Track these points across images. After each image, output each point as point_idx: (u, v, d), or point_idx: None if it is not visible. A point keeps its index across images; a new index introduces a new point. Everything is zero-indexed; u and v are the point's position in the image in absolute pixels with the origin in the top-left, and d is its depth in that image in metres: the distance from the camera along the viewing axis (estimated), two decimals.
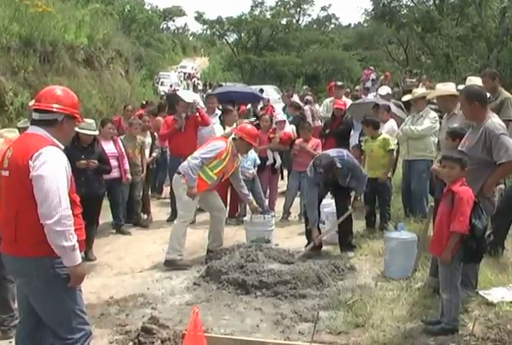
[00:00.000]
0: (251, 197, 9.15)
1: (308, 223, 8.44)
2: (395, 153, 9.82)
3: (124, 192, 10.17)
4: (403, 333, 5.61)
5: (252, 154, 10.33)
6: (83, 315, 4.37)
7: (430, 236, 6.36)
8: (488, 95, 8.57)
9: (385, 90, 16.10)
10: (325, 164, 8.15)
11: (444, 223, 5.49)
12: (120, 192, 10.00)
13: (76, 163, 7.90)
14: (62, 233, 3.98)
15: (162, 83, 38.78)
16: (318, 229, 8.38)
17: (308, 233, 8.50)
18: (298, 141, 10.74)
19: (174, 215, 10.79)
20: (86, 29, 18.01)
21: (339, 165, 8.13)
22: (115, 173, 9.68)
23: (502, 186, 7.69)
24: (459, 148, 6.25)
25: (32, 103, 4.75)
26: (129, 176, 10.01)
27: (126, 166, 9.98)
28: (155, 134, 11.58)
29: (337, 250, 8.56)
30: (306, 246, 8.36)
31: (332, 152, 8.43)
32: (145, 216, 11.09)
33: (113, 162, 9.63)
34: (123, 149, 9.93)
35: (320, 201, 8.50)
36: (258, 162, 10.64)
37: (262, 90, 28.17)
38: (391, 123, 10.59)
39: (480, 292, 6.24)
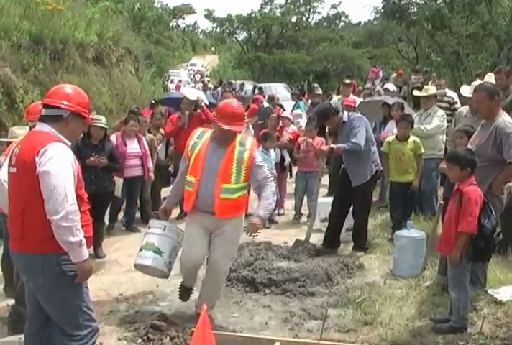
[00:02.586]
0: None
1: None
2: None
3: (145, 191, 10.26)
4: (411, 331, 5.62)
5: (273, 154, 10.29)
6: (89, 312, 4.39)
7: (439, 234, 6.34)
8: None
9: (391, 86, 16.15)
10: (319, 110, 8.29)
11: (453, 222, 5.49)
12: (138, 190, 10.06)
13: (86, 161, 7.94)
14: (68, 228, 4.00)
15: (171, 81, 38.76)
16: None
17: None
18: (301, 139, 10.68)
19: (183, 213, 10.84)
20: (96, 26, 18.05)
21: (344, 118, 8.20)
22: (137, 172, 9.77)
23: (511, 184, 7.67)
24: (469, 146, 6.25)
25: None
26: (151, 175, 10.11)
27: (149, 164, 10.05)
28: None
29: (347, 248, 8.55)
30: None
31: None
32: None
33: (136, 161, 9.76)
34: (147, 148, 9.99)
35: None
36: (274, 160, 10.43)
37: (259, 88, 28.01)
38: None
39: (489, 291, 6.24)
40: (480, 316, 5.72)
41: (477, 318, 5.71)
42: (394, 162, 8.85)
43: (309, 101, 18.73)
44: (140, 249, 6.16)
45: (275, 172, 10.07)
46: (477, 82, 8.79)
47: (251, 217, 5.84)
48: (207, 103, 11.55)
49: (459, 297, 5.49)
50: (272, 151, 10.12)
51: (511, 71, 8.93)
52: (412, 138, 8.79)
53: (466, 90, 9.24)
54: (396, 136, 8.90)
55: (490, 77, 9.16)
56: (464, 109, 8.77)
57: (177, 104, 12.77)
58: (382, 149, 8.97)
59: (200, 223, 5.85)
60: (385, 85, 17.57)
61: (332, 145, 8.26)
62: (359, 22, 70.63)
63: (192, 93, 11.83)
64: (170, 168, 11.51)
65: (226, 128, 5.60)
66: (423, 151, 8.75)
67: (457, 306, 5.51)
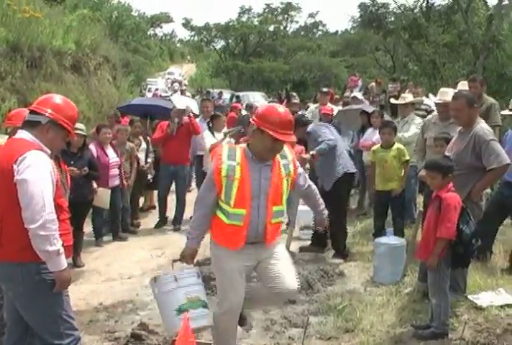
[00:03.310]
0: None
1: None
2: None
3: (124, 199, 10.23)
4: (392, 338, 5.63)
5: None
6: (70, 321, 4.34)
7: (419, 241, 6.37)
8: None
9: (359, 95, 16.35)
10: None
11: (432, 228, 5.51)
12: (120, 199, 10.01)
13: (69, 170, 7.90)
14: (46, 237, 3.96)
15: (149, 90, 38.70)
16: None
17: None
18: None
19: (162, 222, 10.81)
20: (74, 34, 17.96)
21: (308, 128, 8.35)
22: (117, 181, 9.75)
23: (489, 191, 7.75)
24: (446, 153, 6.28)
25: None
26: (128, 182, 10.22)
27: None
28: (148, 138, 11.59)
29: (328, 255, 8.56)
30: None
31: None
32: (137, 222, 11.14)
33: (117, 171, 9.79)
34: (122, 156, 9.99)
35: None
36: None
37: (236, 96, 28.08)
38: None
39: (469, 297, 6.26)
40: (460, 322, 5.74)
41: (458, 323, 5.72)
42: (379, 170, 8.87)
43: None
44: (183, 310, 4.64)
45: None
46: (447, 89, 8.80)
47: (319, 214, 5.46)
48: (197, 113, 11.54)
49: (439, 303, 5.51)
50: None
51: (485, 80, 9.02)
52: (396, 145, 8.78)
53: (434, 98, 9.32)
54: (381, 145, 8.91)
55: (464, 85, 9.24)
56: (433, 117, 8.76)
57: (142, 111, 12.75)
58: (368, 158, 9.03)
59: (244, 260, 4.84)
60: (353, 94, 17.72)
61: (312, 151, 8.28)
62: (337, 31, 71.21)
63: (181, 101, 11.81)
64: (148, 176, 11.47)
65: (284, 139, 4.62)
66: (407, 158, 8.71)
67: (438, 312, 5.53)
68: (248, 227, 4.69)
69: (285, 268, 4.94)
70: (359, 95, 16.77)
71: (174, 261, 5.03)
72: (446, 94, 8.31)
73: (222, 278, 4.90)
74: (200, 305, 4.69)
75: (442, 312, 5.52)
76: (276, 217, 4.83)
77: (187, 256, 4.90)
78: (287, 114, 4.71)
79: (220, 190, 4.69)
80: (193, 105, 11.99)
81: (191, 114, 10.89)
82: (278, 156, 4.78)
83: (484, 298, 6.24)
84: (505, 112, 7.82)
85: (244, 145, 4.86)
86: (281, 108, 4.79)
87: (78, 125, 8.57)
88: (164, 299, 4.73)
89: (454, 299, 6.03)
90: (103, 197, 9.10)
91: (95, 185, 8.73)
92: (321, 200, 5.43)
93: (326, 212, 5.42)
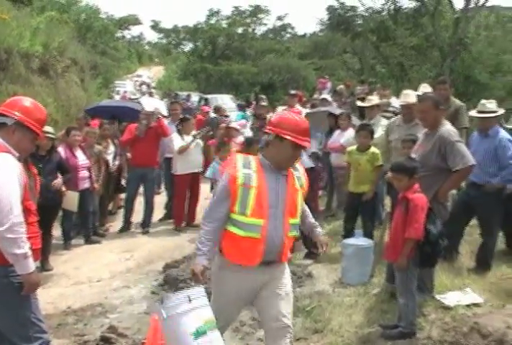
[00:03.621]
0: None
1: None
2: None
3: (95, 202, 10.16)
4: (361, 338, 5.68)
5: None
6: (39, 324, 4.32)
7: (386, 242, 6.43)
8: None
9: (329, 97, 16.41)
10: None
11: (399, 229, 5.57)
12: (90, 202, 9.96)
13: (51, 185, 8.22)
14: (13, 240, 3.95)
15: (117, 92, 38.49)
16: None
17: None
18: None
19: (127, 226, 10.75)
20: (41, 36, 17.87)
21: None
22: (86, 184, 9.70)
23: (454, 191, 7.83)
24: (412, 155, 6.35)
25: None
26: (96, 185, 10.13)
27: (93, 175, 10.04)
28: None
29: (296, 256, 8.59)
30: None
31: None
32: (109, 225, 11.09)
33: (86, 173, 9.76)
34: (91, 158, 9.92)
35: None
36: None
37: (205, 99, 28.09)
38: (350, 132, 10.27)
39: (436, 296, 6.34)
40: (428, 321, 5.82)
41: (426, 323, 5.80)
42: (352, 173, 8.81)
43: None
44: (201, 332, 4.19)
45: None
46: (410, 91, 8.89)
47: (316, 235, 4.94)
48: (165, 115, 11.51)
49: (407, 303, 5.57)
50: None
51: (452, 82, 9.13)
52: (372, 149, 8.67)
53: (397, 100, 9.38)
54: (357, 147, 8.83)
55: (425, 88, 9.34)
56: (397, 119, 8.82)
57: (110, 114, 12.68)
58: (344, 158, 9.02)
59: (251, 281, 4.56)
60: (322, 96, 17.80)
61: None
62: (305, 34, 71.14)
63: (150, 104, 11.79)
64: (122, 181, 11.42)
65: (306, 145, 4.51)
66: (381, 163, 8.59)
67: (405, 312, 5.59)
68: (265, 240, 4.39)
69: (286, 302, 4.60)
70: (329, 97, 16.83)
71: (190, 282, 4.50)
72: (409, 96, 8.42)
73: (219, 301, 4.62)
74: (216, 327, 4.27)
75: (410, 312, 5.58)
76: (292, 230, 4.58)
77: (198, 274, 4.43)
78: (304, 121, 4.59)
79: (234, 201, 4.42)
80: (161, 107, 11.96)
81: (160, 116, 10.87)
82: (290, 168, 4.63)
83: (451, 298, 6.32)
84: (473, 113, 7.89)
85: (258, 155, 4.64)
86: (296, 115, 4.67)
87: (47, 128, 8.54)
88: (176, 322, 4.16)
89: (422, 299, 6.11)
90: (71, 200, 9.06)
91: (63, 188, 8.67)
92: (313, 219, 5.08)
93: (320, 230, 5.04)
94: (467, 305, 6.14)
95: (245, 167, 4.46)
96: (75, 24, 35.07)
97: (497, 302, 6.32)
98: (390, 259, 5.88)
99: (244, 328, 6.09)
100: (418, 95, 8.04)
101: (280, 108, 14.75)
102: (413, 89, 9.67)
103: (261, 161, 4.54)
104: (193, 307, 4.20)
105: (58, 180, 8.44)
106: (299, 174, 4.69)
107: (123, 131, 11.41)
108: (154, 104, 12.01)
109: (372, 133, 8.81)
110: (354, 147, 8.85)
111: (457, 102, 9.01)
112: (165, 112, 11.78)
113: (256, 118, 14.61)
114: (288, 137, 4.40)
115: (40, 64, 17.03)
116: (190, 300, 4.22)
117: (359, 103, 12.02)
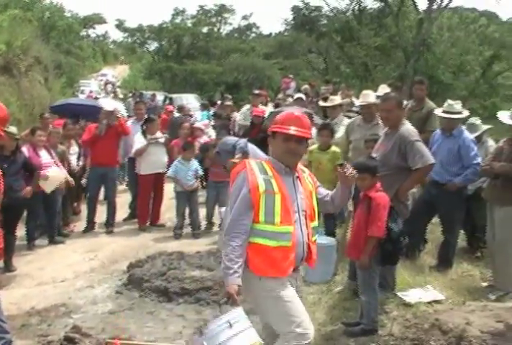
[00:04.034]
0: None
1: None
2: None
3: (59, 202, 10.06)
4: (324, 336, 5.73)
5: (194, 164, 10.35)
6: (1, 324, 4.32)
7: (348, 240, 6.49)
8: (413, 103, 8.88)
9: (303, 96, 16.42)
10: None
11: (362, 227, 5.63)
12: (57, 202, 9.87)
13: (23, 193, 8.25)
14: None
15: (82, 91, 38.20)
16: None
17: None
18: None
19: (90, 226, 10.68)
20: (4, 35, 17.68)
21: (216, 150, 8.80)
22: None
23: (415, 190, 7.92)
24: (373, 154, 6.42)
25: None
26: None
27: None
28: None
29: None
30: None
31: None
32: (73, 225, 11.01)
33: None
34: (56, 158, 9.80)
35: None
36: (200, 172, 10.51)
37: (169, 98, 28.03)
38: (312, 131, 10.33)
39: (398, 294, 6.42)
40: (389, 318, 5.89)
41: (387, 320, 5.88)
42: (313, 172, 8.79)
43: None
44: None
45: (194, 182, 10.13)
46: (369, 91, 8.97)
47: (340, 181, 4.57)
48: (125, 114, 11.44)
49: (369, 300, 5.63)
50: (192, 161, 10.19)
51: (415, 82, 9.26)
52: (333, 148, 8.72)
53: (357, 100, 9.45)
54: (318, 146, 8.87)
55: (384, 89, 9.46)
56: (356, 119, 8.89)
57: (73, 112, 12.59)
58: (305, 157, 9.00)
59: (291, 284, 4.37)
60: (297, 95, 17.84)
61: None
62: (270, 33, 71.23)
63: (109, 103, 11.73)
64: (83, 181, 11.33)
65: (290, 132, 4.21)
66: (341, 161, 8.42)
67: (367, 309, 5.66)
68: (296, 247, 4.22)
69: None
70: (303, 96, 16.81)
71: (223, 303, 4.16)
72: (368, 96, 8.52)
73: (284, 305, 4.20)
74: None
75: (371, 309, 5.65)
76: (314, 234, 4.47)
77: (233, 295, 4.06)
78: (293, 113, 4.37)
79: (257, 210, 4.15)
80: (120, 107, 11.92)
81: (119, 115, 10.83)
82: (299, 170, 4.45)
83: (412, 295, 6.41)
84: (439, 113, 7.91)
85: (268, 158, 4.45)
86: (289, 111, 4.49)
87: (11, 128, 8.46)
88: None
89: (384, 296, 6.19)
90: (54, 182, 9.07)
91: (29, 187, 8.60)
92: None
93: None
94: (429, 302, 6.24)
95: (261, 172, 4.23)
96: (39, 22, 34.77)
97: (458, 299, 6.44)
98: (353, 257, 5.94)
99: None
100: (380, 96, 8.13)
101: (244, 108, 14.77)
102: (377, 89, 9.79)
103: (273, 164, 4.32)
104: (235, 333, 3.92)
105: (27, 189, 8.44)
106: (306, 174, 4.54)
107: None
108: (113, 104, 11.94)
109: (333, 132, 8.86)
110: (315, 146, 8.89)
111: (431, 104, 9.09)
112: (124, 112, 11.71)
113: (217, 118, 14.63)
114: (275, 129, 4.27)
115: (3, 63, 16.87)
116: (231, 326, 3.95)
117: (321, 103, 12.09)
